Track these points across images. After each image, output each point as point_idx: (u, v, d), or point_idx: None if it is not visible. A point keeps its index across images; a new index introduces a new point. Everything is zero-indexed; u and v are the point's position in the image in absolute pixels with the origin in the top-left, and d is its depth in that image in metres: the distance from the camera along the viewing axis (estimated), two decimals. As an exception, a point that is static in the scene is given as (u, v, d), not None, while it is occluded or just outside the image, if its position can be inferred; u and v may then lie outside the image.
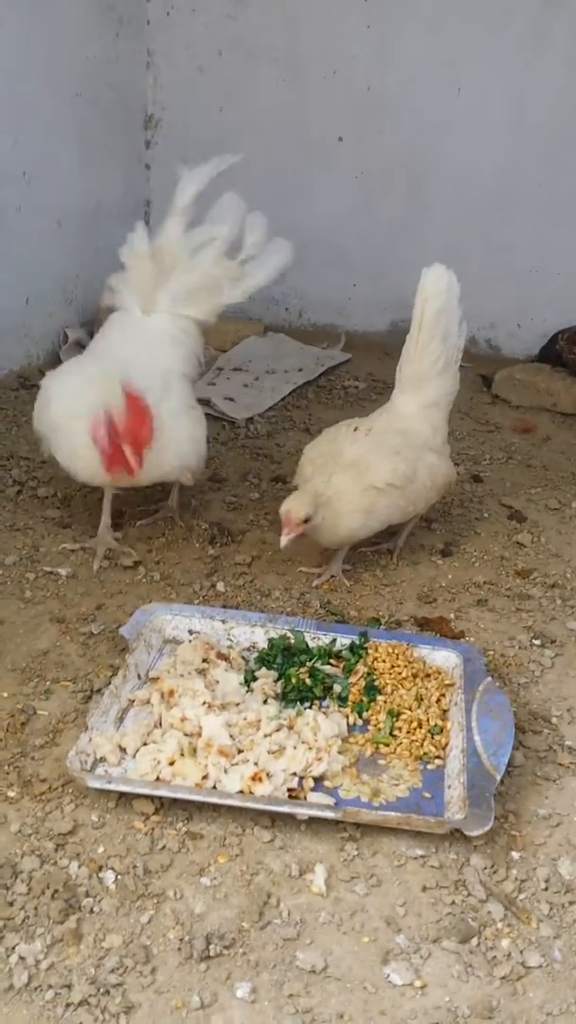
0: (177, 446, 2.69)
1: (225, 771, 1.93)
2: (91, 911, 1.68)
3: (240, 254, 2.91)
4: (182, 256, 2.85)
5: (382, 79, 4.69)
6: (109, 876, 1.75)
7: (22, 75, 3.82)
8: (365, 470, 2.61)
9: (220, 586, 2.71)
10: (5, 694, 2.21)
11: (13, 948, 1.60)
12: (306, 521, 2.52)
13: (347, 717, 2.16)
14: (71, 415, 2.55)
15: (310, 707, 2.16)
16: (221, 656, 2.30)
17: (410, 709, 2.16)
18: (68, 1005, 1.52)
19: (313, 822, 1.89)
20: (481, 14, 4.45)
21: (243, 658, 2.33)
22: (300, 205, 4.98)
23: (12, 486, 3.12)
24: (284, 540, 2.52)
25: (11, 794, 1.92)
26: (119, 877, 1.75)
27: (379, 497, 2.62)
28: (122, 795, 1.92)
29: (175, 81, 4.95)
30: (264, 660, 2.31)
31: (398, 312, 4.78)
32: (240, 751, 2.00)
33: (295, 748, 2.00)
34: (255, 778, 1.90)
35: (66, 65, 4.14)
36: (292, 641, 2.35)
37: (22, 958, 1.58)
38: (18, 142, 3.91)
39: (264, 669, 2.28)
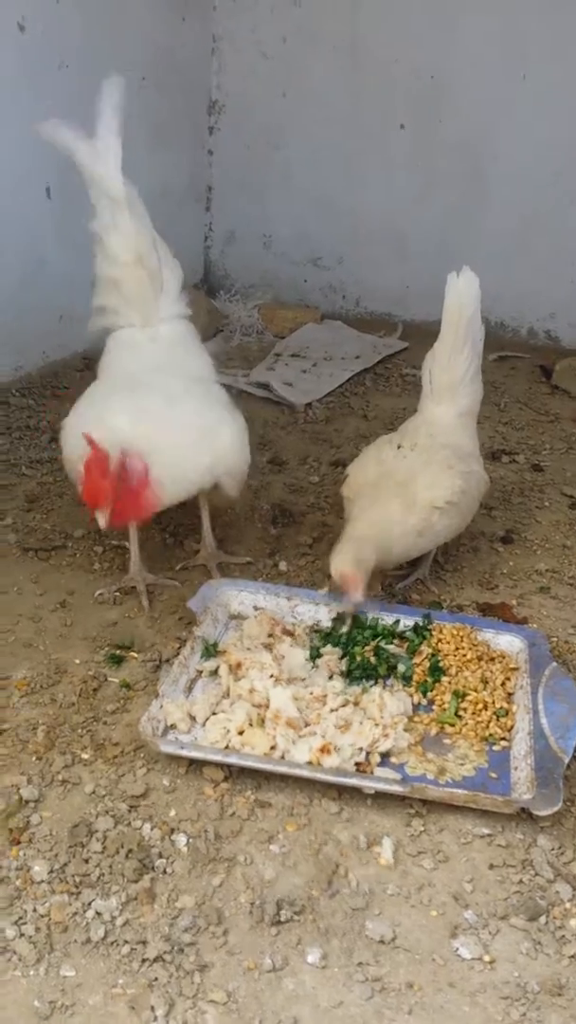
0: (201, 455, 2.39)
1: (293, 742, 1.96)
2: (164, 872, 1.72)
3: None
4: (155, 252, 2.53)
5: (445, 66, 4.67)
6: (181, 839, 1.78)
7: (93, 61, 3.85)
8: (420, 490, 2.47)
9: (282, 565, 2.73)
10: (77, 661, 2.25)
11: (90, 904, 1.64)
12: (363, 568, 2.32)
13: (412, 696, 2.17)
14: (76, 458, 2.29)
15: (375, 685, 2.18)
16: (286, 631, 2.32)
17: (475, 690, 2.16)
18: (144, 960, 1.55)
19: (380, 797, 1.90)
20: (547, 6, 4.40)
21: (308, 635, 2.35)
22: (359, 193, 4.99)
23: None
24: (356, 598, 2.30)
25: (85, 756, 1.96)
26: (191, 840, 1.78)
27: (440, 517, 2.49)
28: (192, 762, 1.95)
29: (239, 67, 4.97)
30: (328, 637, 2.32)
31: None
32: (307, 724, 2.02)
33: (361, 724, 2.02)
34: (323, 750, 1.92)
35: (133, 50, 4.18)
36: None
37: (98, 913, 1.62)
38: (85, 127, 3.95)
39: (329, 646, 2.30)
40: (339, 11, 4.72)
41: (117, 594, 2.51)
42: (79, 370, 3.98)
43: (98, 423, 2.25)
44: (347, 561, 2.28)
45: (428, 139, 4.82)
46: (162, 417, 2.32)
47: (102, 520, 2.19)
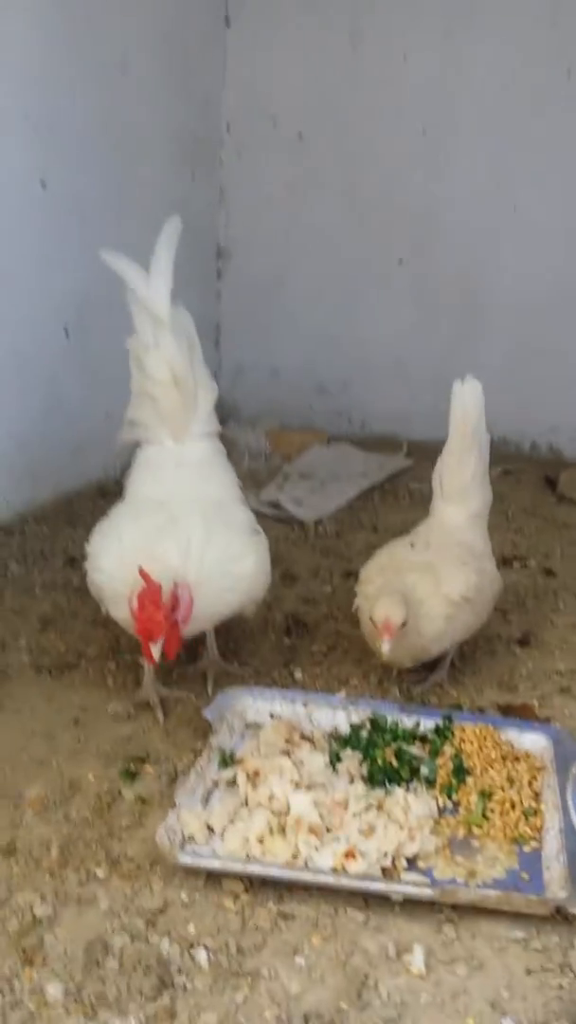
0: (230, 585, 2.42)
1: (316, 849, 1.89)
2: (184, 988, 1.63)
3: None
4: (192, 374, 2.58)
5: (439, 203, 4.95)
6: (201, 954, 1.70)
7: (111, 212, 4.13)
8: (439, 579, 2.53)
9: (298, 674, 2.71)
10: (91, 776, 2.20)
11: (106, 1025, 1.55)
12: (403, 624, 2.38)
13: (436, 799, 2.11)
14: (115, 590, 2.36)
15: (398, 788, 2.12)
16: (304, 738, 2.28)
17: (502, 789, 2.10)
18: None
19: (408, 903, 1.82)
20: (535, 136, 4.71)
21: (326, 740, 2.31)
22: (361, 323, 5.20)
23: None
24: (387, 647, 2.37)
25: (100, 874, 1.89)
26: (212, 955, 1.70)
27: (457, 611, 2.54)
28: (211, 874, 1.88)
29: (244, 214, 5.28)
30: (347, 741, 2.28)
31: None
32: (329, 830, 1.96)
33: (386, 828, 1.95)
34: (348, 855, 1.86)
35: (146, 203, 4.46)
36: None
37: (116, 1035, 1.53)
38: (105, 272, 4.19)
39: (349, 749, 2.25)
40: (339, 160, 5.04)
41: (131, 710, 2.48)
42: (91, 500, 4.06)
43: (148, 555, 2.27)
44: (389, 605, 2.36)
45: (426, 271, 5.05)
46: (202, 549, 2.36)
47: (156, 652, 2.19)
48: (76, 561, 3.33)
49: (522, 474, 4.65)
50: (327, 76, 5.01)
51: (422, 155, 4.94)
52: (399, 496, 4.33)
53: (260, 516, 3.90)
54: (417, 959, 1.70)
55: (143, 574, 2.19)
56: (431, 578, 2.52)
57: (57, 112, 3.73)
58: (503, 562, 3.46)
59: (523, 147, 4.75)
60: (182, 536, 2.36)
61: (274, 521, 3.96)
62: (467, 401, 2.71)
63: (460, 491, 2.75)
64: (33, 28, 3.57)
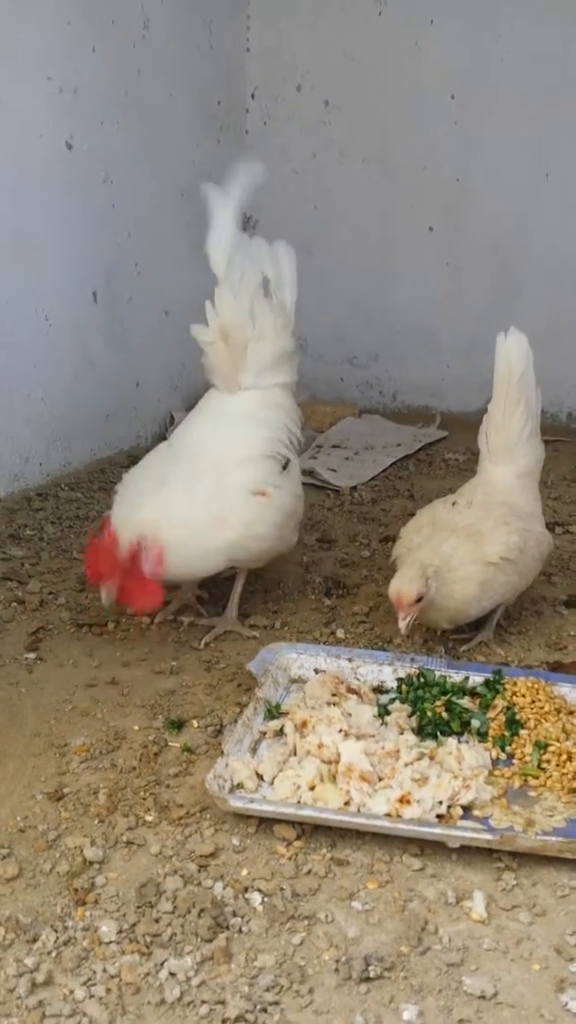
0: (213, 546, 2.45)
1: (369, 795, 1.85)
2: (240, 931, 1.59)
3: (271, 288, 2.72)
4: (246, 327, 2.63)
5: (470, 170, 4.86)
6: (256, 897, 1.66)
7: (136, 177, 4.09)
8: (479, 541, 2.47)
9: (340, 633, 2.66)
10: (136, 727, 2.17)
11: (163, 963, 1.51)
12: (419, 600, 2.33)
13: (489, 751, 2.06)
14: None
15: (450, 738, 2.07)
16: (351, 690, 2.23)
17: (558, 741, 2.05)
18: (224, 1020, 1.42)
19: (465, 851, 1.78)
20: (567, 101, 4.62)
21: (373, 695, 2.26)
22: (392, 293, 5.13)
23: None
24: (403, 625, 2.33)
25: (149, 818, 1.86)
26: (266, 899, 1.66)
27: (496, 573, 2.48)
28: (262, 821, 1.84)
29: (271, 183, 5.12)
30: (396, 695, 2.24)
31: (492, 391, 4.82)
32: (380, 779, 1.91)
33: (439, 777, 1.91)
34: (403, 800, 1.81)
35: (174, 168, 4.41)
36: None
37: (172, 973, 1.50)
38: (131, 237, 4.15)
39: (397, 703, 2.20)
40: (366, 127, 4.97)
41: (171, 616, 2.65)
42: (124, 467, 4.02)
43: (130, 506, 2.41)
44: (403, 580, 2.30)
45: (457, 240, 4.97)
46: (182, 509, 2.41)
47: (105, 597, 2.34)
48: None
49: (560, 444, 4.57)
50: (353, 41, 4.92)
51: (451, 121, 4.84)
52: (435, 465, 4.27)
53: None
54: (478, 905, 1.66)
55: (105, 521, 2.35)
56: (470, 543, 2.44)
57: (80, 75, 3.68)
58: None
59: (556, 112, 4.65)
60: (164, 493, 2.42)
61: (308, 488, 3.91)
62: (511, 354, 2.64)
63: (507, 449, 2.68)
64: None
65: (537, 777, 1.98)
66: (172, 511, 2.39)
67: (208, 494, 2.45)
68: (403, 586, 2.31)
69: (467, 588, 2.43)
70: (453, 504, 2.64)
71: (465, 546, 2.45)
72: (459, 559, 2.42)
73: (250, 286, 2.62)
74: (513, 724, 2.11)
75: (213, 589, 2.83)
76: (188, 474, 2.47)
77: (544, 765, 2.00)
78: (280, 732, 2.09)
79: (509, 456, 2.68)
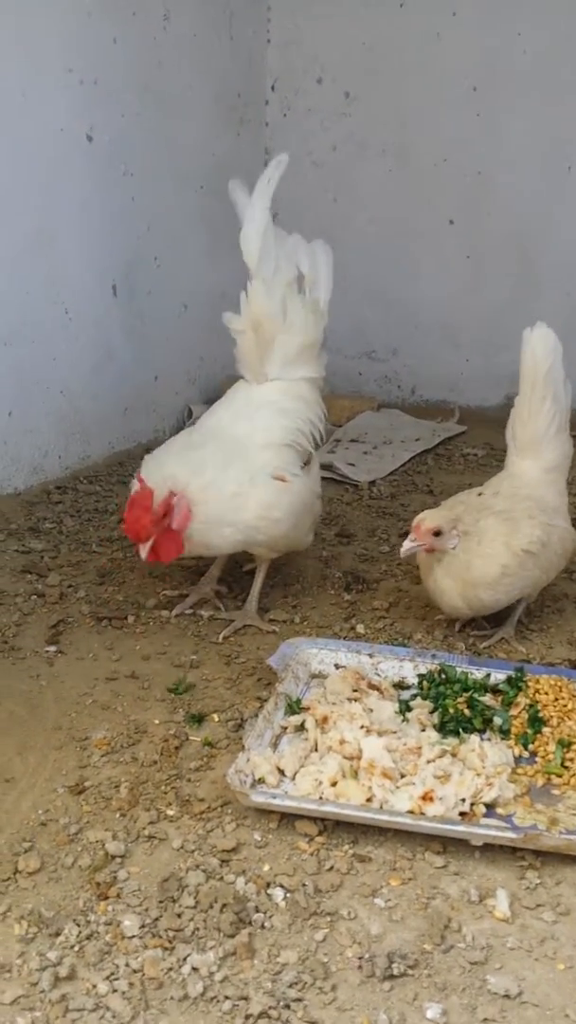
0: (230, 520, 2.48)
1: (391, 792, 1.84)
2: (262, 926, 1.59)
3: (306, 285, 2.80)
4: (276, 320, 2.68)
5: (491, 162, 4.82)
6: (278, 893, 1.66)
7: (155, 169, 4.08)
8: (513, 527, 2.47)
9: (360, 628, 2.65)
10: (156, 721, 2.17)
11: (185, 959, 1.51)
12: (437, 534, 2.37)
13: (512, 749, 2.05)
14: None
15: (472, 735, 2.06)
16: (372, 686, 2.22)
17: (581, 739, 2.03)
18: (248, 1016, 1.42)
19: (488, 849, 1.77)
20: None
21: (394, 690, 2.25)
22: (411, 287, 5.09)
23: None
24: (407, 546, 2.37)
25: (170, 812, 1.86)
26: (289, 894, 1.66)
27: (518, 565, 2.47)
28: (283, 816, 1.84)
29: (290, 176, 5.11)
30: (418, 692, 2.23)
31: (512, 387, 4.77)
32: (403, 776, 1.90)
33: (462, 774, 1.90)
34: (425, 798, 1.80)
35: (194, 161, 4.40)
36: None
37: (195, 969, 1.50)
38: (151, 230, 4.14)
39: (419, 699, 2.19)
40: (386, 119, 4.94)
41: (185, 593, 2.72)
42: (142, 460, 4.02)
43: (156, 468, 2.46)
44: (433, 512, 2.41)
45: (478, 233, 4.93)
46: (214, 473, 2.46)
47: (144, 552, 2.37)
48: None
49: (578, 438, 4.54)
50: (373, 33, 4.87)
51: (472, 113, 4.80)
52: (454, 460, 4.25)
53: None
54: (501, 903, 1.65)
55: (139, 478, 2.40)
56: (505, 526, 2.47)
57: (101, 67, 3.66)
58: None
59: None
60: (196, 456, 2.49)
61: (326, 483, 3.90)
62: (537, 348, 2.62)
63: (533, 444, 2.67)
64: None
65: (560, 775, 1.97)
66: (203, 471, 2.45)
67: (234, 467, 2.50)
68: (428, 514, 2.41)
69: (487, 566, 2.44)
70: (480, 495, 2.64)
71: (500, 527, 2.48)
72: (491, 536, 2.46)
73: (283, 280, 2.67)
74: (536, 722, 2.10)
75: (233, 584, 2.84)
76: (216, 447, 2.54)
77: (567, 763, 1.99)
78: (301, 727, 2.08)
79: (536, 451, 2.67)
